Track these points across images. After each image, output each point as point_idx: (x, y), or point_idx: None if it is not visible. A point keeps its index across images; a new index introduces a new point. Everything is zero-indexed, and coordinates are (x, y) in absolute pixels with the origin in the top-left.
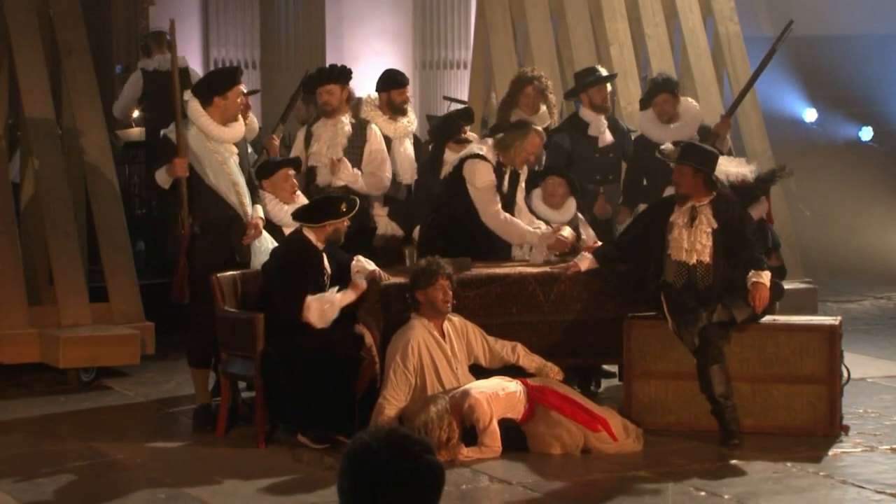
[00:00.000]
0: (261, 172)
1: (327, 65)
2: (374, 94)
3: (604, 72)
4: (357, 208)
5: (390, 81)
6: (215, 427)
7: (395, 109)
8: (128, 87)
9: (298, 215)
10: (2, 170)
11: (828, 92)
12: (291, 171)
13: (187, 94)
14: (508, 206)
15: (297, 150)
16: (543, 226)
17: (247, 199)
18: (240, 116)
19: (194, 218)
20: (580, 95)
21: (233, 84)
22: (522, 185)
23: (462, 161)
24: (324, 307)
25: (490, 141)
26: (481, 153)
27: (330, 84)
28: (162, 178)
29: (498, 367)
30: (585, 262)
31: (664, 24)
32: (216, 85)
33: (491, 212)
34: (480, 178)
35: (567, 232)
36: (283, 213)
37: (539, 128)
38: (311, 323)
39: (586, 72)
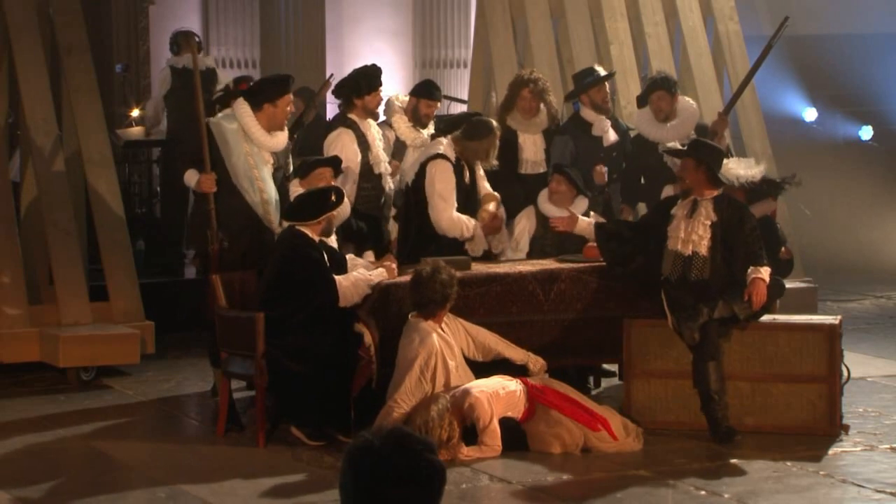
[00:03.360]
0: (297, 172)
1: (325, 62)
2: (402, 96)
3: (602, 71)
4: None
5: (422, 90)
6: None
7: (417, 119)
8: (155, 84)
9: (292, 214)
10: (2, 169)
11: (828, 91)
12: (329, 171)
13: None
14: (471, 196)
15: (350, 151)
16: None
17: (273, 209)
18: (285, 126)
19: (221, 229)
20: (580, 97)
21: (284, 92)
22: (482, 172)
23: (426, 162)
24: (356, 284)
25: (445, 140)
26: (442, 153)
27: (380, 88)
28: (190, 179)
29: (482, 359)
30: (584, 224)
31: (664, 23)
32: (268, 91)
33: (446, 216)
34: (441, 180)
35: (492, 206)
36: None
37: (496, 124)
38: (347, 300)
39: (584, 73)
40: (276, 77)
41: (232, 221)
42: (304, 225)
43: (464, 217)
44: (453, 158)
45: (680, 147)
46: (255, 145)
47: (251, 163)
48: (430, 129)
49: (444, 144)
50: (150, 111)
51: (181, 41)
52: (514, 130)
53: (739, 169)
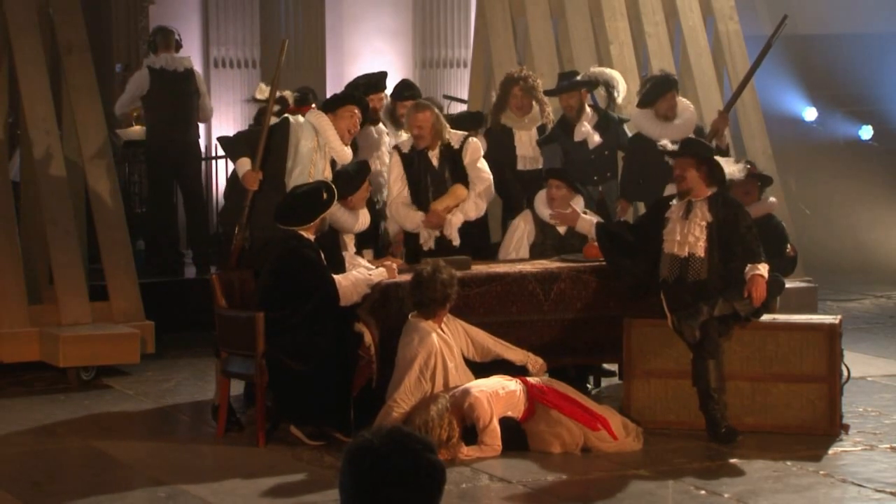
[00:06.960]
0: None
1: (325, 62)
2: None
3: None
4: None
5: (394, 92)
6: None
7: (394, 120)
8: (132, 84)
9: (286, 218)
10: (2, 169)
11: (828, 91)
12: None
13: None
14: (445, 184)
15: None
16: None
17: None
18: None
19: (249, 226)
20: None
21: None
22: (471, 159)
23: None
24: (356, 283)
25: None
26: (397, 144)
27: (382, 91)
28: (241, 167)
29: (481, 360)
30: (586, 222)
31: (664, 23)
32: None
33: (392, 210)
34: (389, 171)
35: (441, 204)
36: (348, 217)
37: (426, 103)
38: (347, 300)
39: (562, 76)
40: (348, 93)
41: (264, 216)
42: (300, 228)
43: (402, 211)
44: (406, 148)
45: (673, 148)
46: (322, 159)
47: (311, 173)
48: None
49: (404, 137)
50: (118, 110)
51: (159, 40)
52: (510, 128)
53: (724, 167)
